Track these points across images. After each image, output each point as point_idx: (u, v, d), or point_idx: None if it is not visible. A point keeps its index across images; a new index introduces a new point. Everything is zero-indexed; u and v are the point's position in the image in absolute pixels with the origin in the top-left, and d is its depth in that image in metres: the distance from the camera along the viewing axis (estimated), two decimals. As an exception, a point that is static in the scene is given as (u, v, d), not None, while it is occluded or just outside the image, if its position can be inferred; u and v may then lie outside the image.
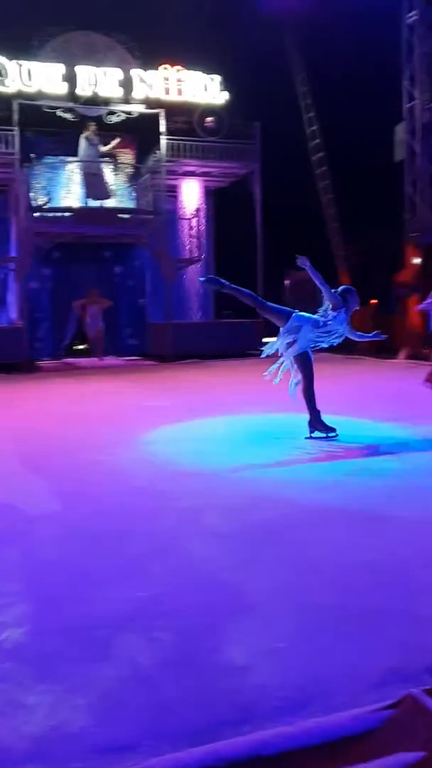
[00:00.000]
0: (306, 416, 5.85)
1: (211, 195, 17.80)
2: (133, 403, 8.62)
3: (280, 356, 5.88)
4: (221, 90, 15.94)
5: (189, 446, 5.64)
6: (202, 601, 2.61)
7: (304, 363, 5.79)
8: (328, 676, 2.07)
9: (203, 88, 15.81)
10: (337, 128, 16.90)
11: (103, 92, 15.04)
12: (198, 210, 16.44)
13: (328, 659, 2.17)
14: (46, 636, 2.34)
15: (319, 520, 3.57)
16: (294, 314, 5.83)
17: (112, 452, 5.47)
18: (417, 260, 13.18)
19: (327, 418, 6.70)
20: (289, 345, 5.73)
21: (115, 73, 15.15)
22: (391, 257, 17.55)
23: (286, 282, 17.31)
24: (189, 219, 16.34)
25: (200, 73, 15.79)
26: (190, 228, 16.27)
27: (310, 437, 5.73)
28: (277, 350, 5.91)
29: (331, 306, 5.80)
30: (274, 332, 17.60)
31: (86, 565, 3.03)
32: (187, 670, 2.09)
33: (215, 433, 6.18)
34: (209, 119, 15.73)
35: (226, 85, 15.99)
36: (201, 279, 5.85)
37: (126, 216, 15.84)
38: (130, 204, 16.91)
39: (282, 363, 5.86)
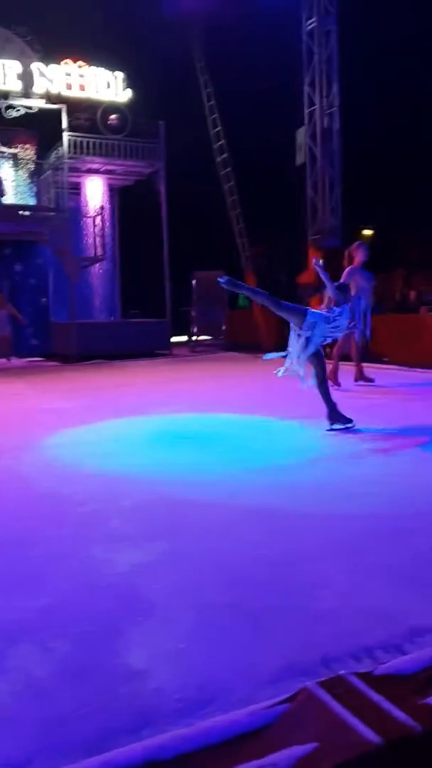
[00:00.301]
0: (206, 414, 5.89)
1: (116, 193, 17.63)
2: (35, 406, 8.41)
3: (287, 353, 6.04)
4: (125, 87, 15.82)
5: (94, 449, 5.55)
6: (101, 606, 2.57)
7: (318, 359, 6.00)
8: (227, 674, 2.09)
9: (106, 85, 15.64)
10: (242, 130, 17.15)
11: (2, 85, 14.59)
12: (102, 208, 16.24)
13: (228, 657, 2.19)
14: None
15: (222, 518, 3.60)
16: (309, 311, 6.02)
17: (14, 456, 5.31)
18: (319, 261, 13.51)
19: (232, 417, 6.79)
20: (306, 342, 5.87)
21: (14, 66, 14.73)
22: (295, 258, 17.97)
23: (193, 281, 17.38)
24: (93, 217, 16.11)
25: (103, 69, 15.61)
26: (94, 226, 16.04)
27: (331, 429, 5.83)
28: (289, 348, 6.07)
29: (334, 302, 6.10)
30: (182, 332, 17.65)
31: (-19, 575, 2.92)
32: (84, 679, 2.05)
33: (121, 435, 6.12)
34: (113, 117, 15.57)
35: (130, 82, 15.88)
36: (220, 280, 5.93)
37: (27, 213, 15.44)
38: (31, 201, 16.50)
39: (291, 359, 6.02)
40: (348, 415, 5.94)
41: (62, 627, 2.38)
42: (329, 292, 6.17)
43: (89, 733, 1.77)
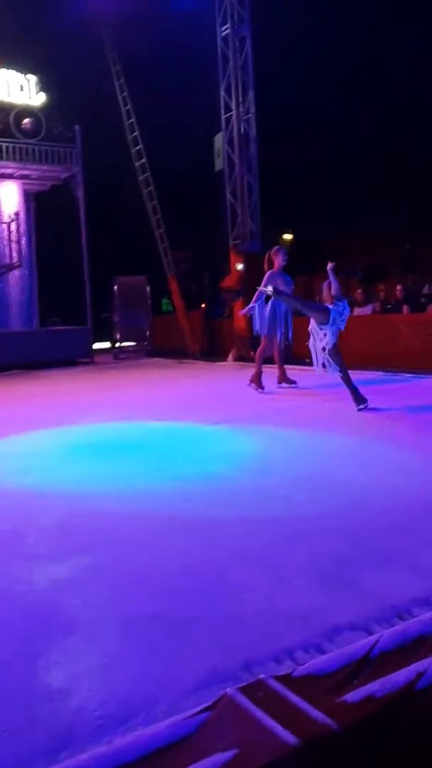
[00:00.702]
0: (129, 423, 5.84)
1: (32, 198, 17.26)
2: None
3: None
4: (38, 91, 15.54)
5: (10, 464, 5.37)
6: (19, 627, 2.51)
7: (337, 352, 6.84)
8: (151, 686, 2.08)
9: (19, 88, 15.31)
10: (161, 135, 17.13)
11: None
12: (17, 214, 15.87)
13: (151, 669, 2.18)
14: None
15: (145, 529, 3.57)
16: (329, 308, 6.85)
17: None
18: (240, 266, 13.65)
19: (157, 425, 6.76)
20: (329, 335, 6.81)
21: None
22: (217, 263, 18.09)
23: (115, 287, 17.22)
24: (7, 223, 15.72)
25: (15, 72, 15.28)
26: (9, 232, 15.66)
27: (360, 409, 6.65)
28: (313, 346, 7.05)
29: (335, 298, 6.92)
30: (103, 338, 17.42)
31: None
32: (3, 704, 1.99)
33: (40, 448, 5.96)
34: (26, 120, 15.25)
35: (44, 86, 15.60)
36: (269, 291, 6.88)
37: None
38: None
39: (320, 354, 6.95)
40: (271, 417, 6.07)
41: (-21, 649, 2.31)
42: (335, 291, 6.94)
43: (6, 759, 1.72)
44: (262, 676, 1.96)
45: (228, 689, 1.90)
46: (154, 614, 2.56)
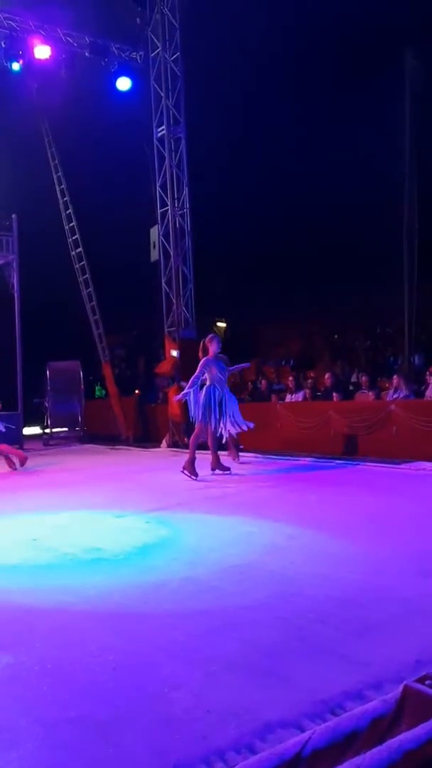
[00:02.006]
0: (54, 512, 5.68)
1: (-34, 284, 17.24)
2: None
3: None
4: (-24, 181, 15.83)
5: None
6: None
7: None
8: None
9: (-44, 178, 15.57)
10: (98, 225, 17.57)
11: None
12: None
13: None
14: None
15: (67, 623, 3.44)
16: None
17: None
18: (175, 352, 13.87)
19: (83, 513, 6.61)
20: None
21: None
22: (152, 349, 18.29)
23: (47, 371, 17.11)
24: None
25: None
26: None
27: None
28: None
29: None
30: (35, 422, 17.21)
31: None
32: None
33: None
34: (-39, 209, 15.44)
35: (-19, 176, 15.93)
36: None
37: None
38: None
39: None
40: (204, 505, 6.00)
41: None
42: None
43: None
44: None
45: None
46: (79, 716, 2.45)
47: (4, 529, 6.04)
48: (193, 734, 2.30)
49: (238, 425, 8.89)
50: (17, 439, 14.97)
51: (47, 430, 16.91)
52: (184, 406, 10.41)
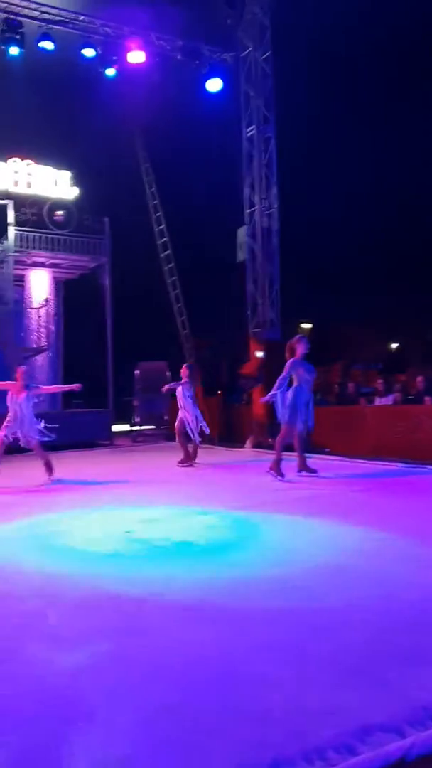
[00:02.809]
0: (149, 507, 5.78)
1: (61, 285, 17.86)
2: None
3: None
4: (71, 185, 16.37)
5: (32, 544, 5.36)
6: (41, 711, 2.43)
7: None
8: (174, 782, 1.99)
9: (53, 183, 16.15)
10: (186, 227, 17.83)
11: None
12: (47, 300, 16.39)
13: (175, 762, 2.09)
14: None
15: (165, 615, 3.50)
16: None
17: None
18: (260, 354, 13.87)
19: (175, 509, 6.72)
20: None
21: (-38, 164, 15.14)
22: (236, 351, 18.37)
23: (136, 371, 17.47)
24: (37, 309, 16.21)
25: (51, 168, 16.16)
26: (39, 317, 16.12)
27: None
28: None
29: None
30: (124, 420, 17.66)
31: None
32: (22, 793, 1.92)
33: (61, 529, 5.93)
34: (59, 213, 15.99)
35: (77, 180, 16.45)
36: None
37: (-31, 304, 15.46)
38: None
39: None
40: (291, 506, 5.96)
41: (1, 734, 2.24)
42: None
43: None
44: (293, 774, 1.88)
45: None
46: (176, 705, 2.48)
47: (99, 521, 6.20)
48: (290, 730, 2.29)
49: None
50: (108, 436, 15.39)
51: (135, 428, 17.28)
52: (269, 407, 10.38)
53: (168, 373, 17.99)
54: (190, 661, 2.89)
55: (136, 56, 13.85)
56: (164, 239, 17.24)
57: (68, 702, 2.51)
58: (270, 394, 9.05)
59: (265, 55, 14.05)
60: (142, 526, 5.84)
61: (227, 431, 15.50)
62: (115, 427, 16.68)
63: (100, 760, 2.10)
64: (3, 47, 12.86)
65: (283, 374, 8.75)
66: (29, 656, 2.97)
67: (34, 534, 5.75)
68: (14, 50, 12.93)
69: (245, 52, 14.24)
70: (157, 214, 17.33)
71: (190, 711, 2.43)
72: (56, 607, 3.64)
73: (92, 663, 2.88)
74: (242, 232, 14.65)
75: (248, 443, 13.86)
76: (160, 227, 17.29)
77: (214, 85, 14.67)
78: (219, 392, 17.40)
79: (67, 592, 3.95)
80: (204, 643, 3.10)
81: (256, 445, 13.54)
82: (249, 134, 14.35)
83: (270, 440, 12.83)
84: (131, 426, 17.74)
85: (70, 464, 11.79)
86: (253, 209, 14.30)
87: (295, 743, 2.20)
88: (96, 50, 13.74)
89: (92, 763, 2.09)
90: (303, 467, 8.87)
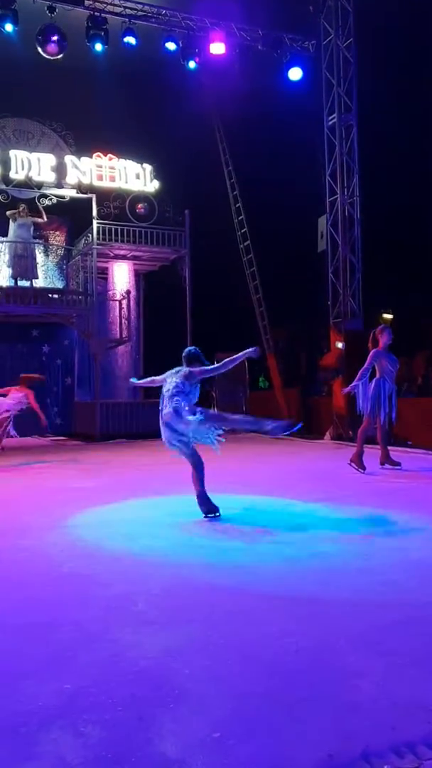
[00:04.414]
0: (228, 495, 5.84)
1: (141, 277, 18.16)
2: (57, 485, 8.40)
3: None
4: (152, 178, 16.59)
5: (117, 529, 5.51)
6: (132, 691, 2.51)
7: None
8: (265, 766, 2.01)
9: (135, 176, 16.41)
10: (265, 218, 17.75)
11: (36, 176, 15.38)
12: (128, 292, 16.70)
13: (265, 749, 2.11)
14: (-32, 735, 2.19)
15: (252, 604, 3.52)
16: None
17: (37, 536, 5.29)
18: (340, 344, 13.69)
19: (255, 498, 6.74)
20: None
21: (49, 159, 15.57)
22: (316, 341, 18.20)
23: (215, 362, 17.57)
24: (119, 300, 16.55)
25: (132, 162, 16.42)
26: (120, 309, 16.46)
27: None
28: None
29: None
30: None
31: (10, 658, 2.87)
32: (118, 766, 1.99)
33: (144, 515, 6.08)
34: (140, 206, 16.24)
35: (158, 173, 16.66)
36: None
37: (56, 296, 15.93)
38: (60, 284, 17.04)
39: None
40: (374, 499, 5.88)
41: (94, 711, 2.32)
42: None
43: None
44: (387, 767, 1.87)
45: (350, 777, 1.82)
46: (263, 692, 2.50)
47: (183, 508, 6.29)
48: (380, 723, 2.27)
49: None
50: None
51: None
52: (350, 398, 10.24)
53: (246, 364, 18.02)
54: (279, 649, 2.91)
55: (218, 48, 13.86)
56: (244, 230, 17.24)
57: (158, 684, 2.57)
58: (351, 385, 8.92)
59: (348, 42, 13.78)
60: (225, 514, 5.90)
61: (306, 423, 15.41)
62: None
63: (191, 741, 2.15)
64: (88, 44, 13.13)
65: (366, 365, 8.62)
66: (118, 639, 3.05)
67: (117, 520, 5.91)
68: (99, 47, 13.19)
69: (327, 40, 14.00)
70: (237, 205, 17.34)
71: (279, 699, 2.44)
72: (143, 593, 3.72)
73: (181, 647, 2.94)
74: (323, 222, 14.47)
75: (327, 435, 13.73)
76: (240, 218, 17.30)
77: (295, 74, 14.51)
78: (297, 384, 17.30)
79: (152, 578, 4.04)
80: (292, 632, 3.11)
81: (336, 438, 13.40)
82: (330, 122, 14.13)
83: (350, 432, 12.67)
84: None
85: (151, 452, 12.02)
86: (334, 198, 14.09)
87: (385, 736, 2.18)
88: (178, 44, 13.84)
89: (182, 743, 2.13)
90: (386, 460, 8.73)
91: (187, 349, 6.27)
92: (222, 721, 2.28)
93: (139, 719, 2.28)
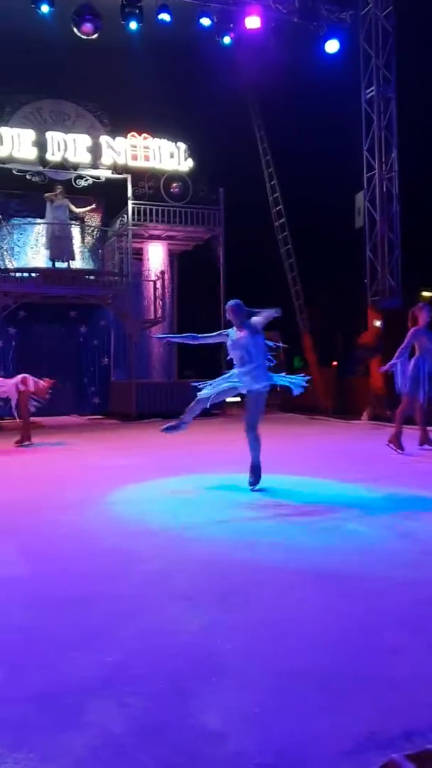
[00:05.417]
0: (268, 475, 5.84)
1: (175, 257, 18.14)
2: (95, 463, 8.53)
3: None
4: (187, 157, 16.49)
5: (155, 506, 5.57)
6: (172, 665, 2.54)
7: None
8: (306, 741, 2.03)
9: (169, 156, 16.33)
10: (300, 194, 17.54)
11: (72, 157, 15.42)
12: (162, 272, 16.72)
13: (305, 724, 2.12)
14: (16, 703, 2.25)
15: (290, 581, 3.54)
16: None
17: (78, 512, 5.38)
18: (378, 323, 13.53)
19: (291, 478, 6.74)
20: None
21: (84, 140, 15.59)
22: (353, 320, 17.99)
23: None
24: (153, 281, 16.58)
25: (166, 141, 16.34)
26: (155, 289, 16.49)
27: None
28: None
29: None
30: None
31: (53, 630, 2.93)
32: (161, 738, 2.02)
33: (180, 493, 6.13)
34: (175, 185, 16.18)
35: (192, 152, 16.55)
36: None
37: (92, 277, 16.03)
38: (96, 265, 17.13)
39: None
40: (412, 479, 5.83)
41: (136, 684, 2.36)
42: None
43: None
44: (430, 746, 1.86)
45: (393, 755, 1.82)
46: (303, 668, 2.51)
47: (220, 486, 6.33)
48: (421, 701, 2.26)
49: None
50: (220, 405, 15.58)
51: (248, 399, 17.35)
52: (388, 378, 10.12)
53: (280, 343, 17.94)
54: (316, 626, 2.91)
55: (253, 22, 13.65)
56: (279, 207, 17.06)
57: (199, 659, 2.60)
58: (390, 363, 8.81)
59: (387, 11, 13.45)
60: (261, 493, 5.92)
61: (342, 403, 15.30)
62: (231, 399, 16.82)
63: (232, 716, 2.17)
64: (123, 22, 13.05)
65: (405, 343, 8.50)
66: (158, 613, 3.09)
67: (154, 497, 5.97)
68: (133, 25, 13.11)
69: (365, 10, 13.69)
70: (272, 182, 17.16)
71: (317, 675, 2.45)
72: (182, 569, 3.76)
73: (221, 623, 2.96)
74: (360, 198, 14.25)
75: (365, 415, 13.63)
76: (275, 195, 17.11)
77: (331, 46, 14.23)
78: (334, 363, 17.16)
79: (190, 554, 4.07)
80: (329, 609, 3.12)
81: (374, 418, 13.28)
82: (368, 96, 13.86)
83: (388, 412, 12.54)
84: (242, 397, 17.83)
85: (186, 431, 12.08)
86: (372, 173, 13.86)
87: (427, 715, 2.17)
88: (212, 19, 13.67)
89: (224, 717, 2.16)
90: (425, 440, 8.62)
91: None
92: (262, 696, 2.30)
93: (180, 692, 2.31)
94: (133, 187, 15.74)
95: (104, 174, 15.87)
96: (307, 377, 6.51)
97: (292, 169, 17.53)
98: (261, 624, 2.96)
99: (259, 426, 6.24)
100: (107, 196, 16.77)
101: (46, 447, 10.12)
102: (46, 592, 3.46)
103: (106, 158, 15.71)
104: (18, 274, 15.29)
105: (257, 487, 6.04)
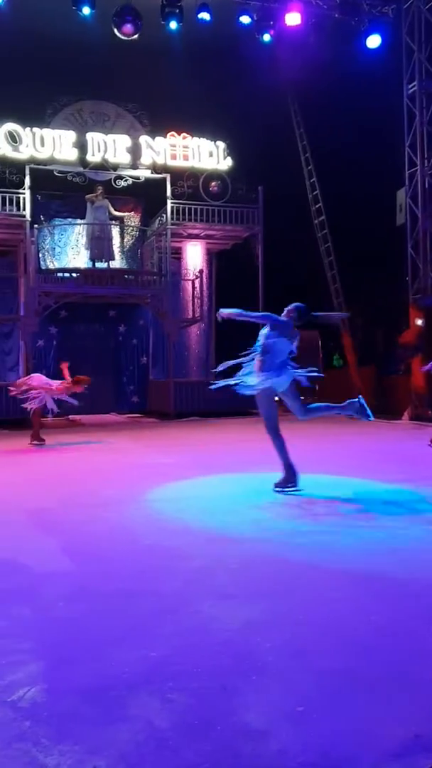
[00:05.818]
0: (302, 474, 5.82)
1: (213, 256, 18.14)
2: (135, 461, 8.60)
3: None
4: (225, 156, 16.47)
5: (194, 504, 5.60)
6: (215, 662, 2.55)
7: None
8: (350, 742, 2.01)
9: (208, 155, 16.34)
10: (340, 192, 17.37)
11: (112, 158, 15.56)
12: (201, 271, 16.75)
13: (349, 725, 2.11)
14: (62, 696, 2.28)
15: (327, 581, 3.51)
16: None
17: (118, 510, 5.43)
18: (420, 321, 13.34)
19: (330, 478, 6.69)
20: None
21: (124, 140, 15.72)
22: (393, 318, 17.76)
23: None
24: (192, 280, 16.63)
25: (205, 140, 16.35)
26: (193, 289, 16.53)
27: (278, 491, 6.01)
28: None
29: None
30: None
31: (97, 625, 2.97)
32: (205, 733, 2.03)
33: (220, 491, 6.14)
34: (214, 184, 16.18)
35: (231, 151, 16.53)
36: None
37: (131, 277, 16.15)
38: (135, 265, 17.25)
39: None
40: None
41: (179, 680, 2.38)
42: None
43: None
44: None
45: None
46: (346, 669, 2.49)
47: (263, 486, 6.32)
48: (465, 705, 2.23)
49: None
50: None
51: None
52: (430, 377, 9.99)
53: (320, 342, 17.79)
54: (356, 626, 2.89)
55: (293, 18, 13.57)
56: (318, 205, 16.94)
57: (241, 656, 2.60)
58: (431, 363, 8.71)
59: (430, 4, 13.23)
60: (300, 493, 5.89)
61: (383, 403, 15.12)
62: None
63: (275, 714, 2.17)
64: (163, 22, 13.11)
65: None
66: (200, 611, 3.10)
67: (194, 495, 5.99)
68: (173, 24, 13.16)
69: (408, 3, 13.49)
70: (312, 180, 17.05)
71: (359, 676, 2.43)
72: (222, 567, 3.77)
73: (261, 621, 2.96)
74: (402, 194, 14.07)
75: (406, 415, 13.45)
76: (315, 193, 16.99)
77: (373, 41, 14.06)
78: (373, 362, 16.97)
79: (229, 553, 4.07)
80: (369, 610, 3.09)
81: (415, 418, 13.11)
82: (410, 91, 13.66)
83: (430, 412, 12.37)
84: (281, 397, 17.73)
85: (224, 430, 12.11)
86: (414, 170, 13.66)
87: (470, 719, 2.14)
88: (252, 17, 13.64)
89: (267, 715, 2.15)
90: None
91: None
92: (304, 695, 2.29)
93: (223, 689, 2.32)
94: (172, 186, 15.80)
95: (144, 174, 15.97)
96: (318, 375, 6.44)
97: (332, 166, 17.36)
98: (301, 623, 2.95)
99: (279, 427, 6.36)
100: (146, 196, 16.86)
101: (86, 445, 10.24)
102: (89, 587, 3.50)
103: (146, 158, 15.81)
104: (59, 275, 15.51)
105: (291, 487, 5.95)
